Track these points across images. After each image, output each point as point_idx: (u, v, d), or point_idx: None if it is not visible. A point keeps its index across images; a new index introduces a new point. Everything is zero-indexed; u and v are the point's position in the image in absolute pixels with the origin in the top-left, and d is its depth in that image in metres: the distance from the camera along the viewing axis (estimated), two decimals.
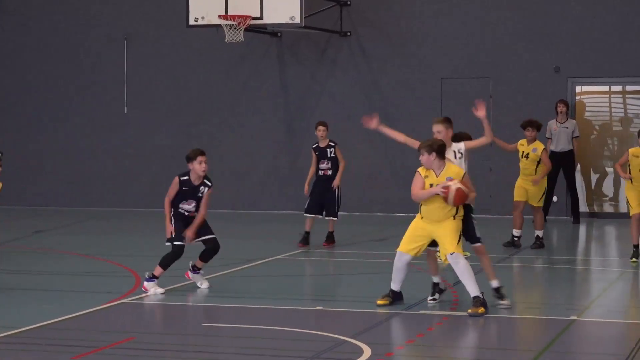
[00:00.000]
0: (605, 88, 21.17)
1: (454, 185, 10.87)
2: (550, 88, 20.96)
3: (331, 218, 16.34)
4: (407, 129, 19.38)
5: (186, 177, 12.25)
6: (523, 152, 16.23)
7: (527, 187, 16.18)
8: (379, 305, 11.33)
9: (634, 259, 14.40)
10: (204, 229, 12.38)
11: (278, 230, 18.92)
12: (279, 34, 22.28)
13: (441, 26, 21.61)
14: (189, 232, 12.20)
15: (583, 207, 20.76)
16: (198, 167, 12.20)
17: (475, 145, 12.30)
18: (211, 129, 22.55)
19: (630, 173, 14.43)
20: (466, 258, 11.13)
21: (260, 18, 20.07)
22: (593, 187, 21.13)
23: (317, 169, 16.37)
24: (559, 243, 17.88)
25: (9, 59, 24.01)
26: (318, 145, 16.43)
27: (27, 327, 10.21)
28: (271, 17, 20.04)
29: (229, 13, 20.01)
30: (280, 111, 22.56)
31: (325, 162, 16.33)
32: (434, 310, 11.11)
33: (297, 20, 19.91)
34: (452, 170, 11.07)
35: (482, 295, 10.92)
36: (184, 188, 12.20)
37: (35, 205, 23.26)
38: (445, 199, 10.91)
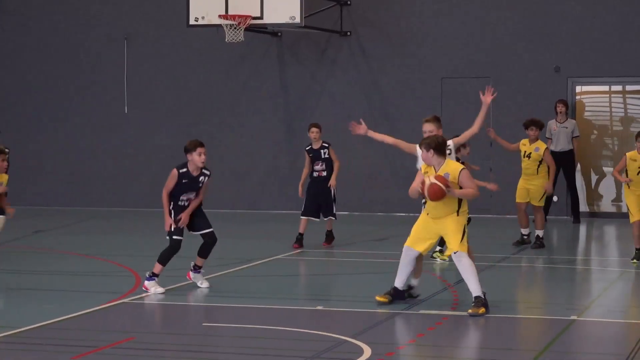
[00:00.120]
0: (606, 88, 21.17)
1: (429, 180, 10.88)
2: (551, 88, 20.96)
3: (330, 218, 16.34)
4: (407, 129, 19.47)
5: (185, 169, 12.22)
6: (525, 151, 16.25)
7: (528, 187, 16.22)
8: (378, 302, 11.33)
9: (635, 261, 14.36)
10: (202, 221, 12.38)
11: (278, 230, 18.92)
12: (279, 34, 22.29)
13: (441, 26, 21.61)
14: (184, 216, 12.15)
15: (583, 207, 20.77)
16: (197, 159, 12.19)
17: (464, 137, 12.30)
18: (211, 129, 22.55)
19: (627, 177, 14.32)
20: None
21: (261, 18, 20.08)
22: (593, 187, 21.13)
23: (312, 170, 16.33)
24: (559, 243, 17.88)
25: (9, 59, 24.02)
26: (311, 147, 16.36)
27: (27, 327, 10.21)
28: (271, 17, 20.05)
29: (229, 13, 20.01)
30: (280, 111, 22.57)
31: (320, 164, 16.29)
32: (435, 310, 11.11)
33: (297, 20, 19.92)
34: (450, 167, 11.07)
35: (484, 295, 10.91)
36: (183, 180, 12.18)
37: (35, 205, 23.26)
38: (423, 194, 10.93)
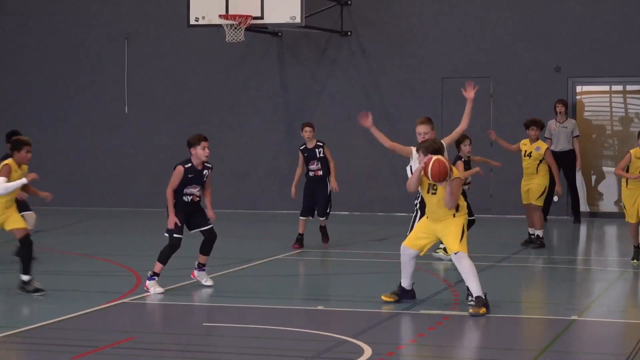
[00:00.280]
0: (606, 88, 21.17)
1: (434, 157, 10.86)
2: (551, 88, 20.96)
3: (322, 219, 16.24)
4: (407, 128, 19.44)
5: (189, 164, 12.28)
6: (525, 151, 16.27)
7: (529, 187, 16.25)
8: (383, 301, 11.35)
9: (635, 260, 14.33)
10: (202, 219, 12.41)
11: (278, 230, 18.91)
12: (280, 34, 22.29)
13: (441, 26, 21.61)
14: (211, 213, 12.31)
15: (584, 207, 20.76)
16: (201, 153, 12.26)
17: (454, 137, 12.33)
18: (211, 129, 22.51)
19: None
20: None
21: (261, 18, 20.08)
22: (594, 187, 21.12)
23: (307, 170, 16.26)
24: (559, 243, 17.88)
25: (9, 59, 24.01)
26: (306, 147, 16.25)
27: (27, 327, 10.21)
28: (272, 17, 20.05)
29: (230, 13, 20.02)
30: (280, 111, 22.56)
31: (315, 163, 16.20)
32: (435, 310, 11.10)
33: (298, 20, 19.92)
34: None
35: (485, 295, 10.90)
36: (189, 175, 12.22)
37: (35, 205, 23.19)
38: (426, 173, 10.86)
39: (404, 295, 11.47)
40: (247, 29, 20.25)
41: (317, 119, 20.58)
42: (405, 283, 11.48)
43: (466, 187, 15.35)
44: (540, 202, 16.25)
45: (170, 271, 12.57)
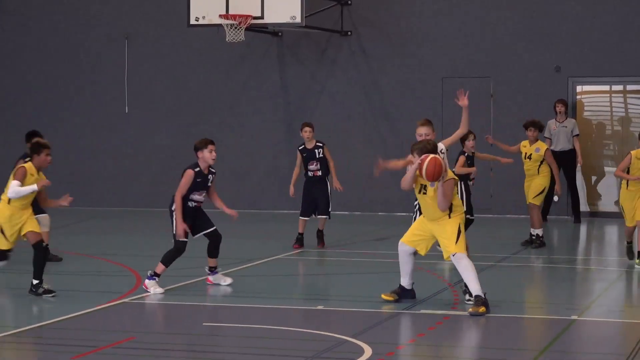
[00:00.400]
0: (606, 87, 21.16)
1: (430, 155, 10.86)
2: (551, 88, 20.95)
3: (324, 217, 16.15)
4: (407, 128, 19.46)
5: (198, 168, 12.32)
6: (526, 153, 16.30)
7: (529, 187, 16.28)
8: (383, 300, 11.36)
9: (638, 260, 14.25)
10: (205, 221, 12.45)
11: (278, 230, 18.91)
12: (280, 34, 22.28)
13: (441, 26, 21.60)
14: (230, 210, 12.49)
15: (584, 207, 20.76)
16: (209, 156, 12.32)
17: (453, 139, 12.34)
18: (211, 129, 22.53)
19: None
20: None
21: (261, 17, 20.08)
22: (594, 187, 21.12)
23: (306, 170, 16.20)
24: (559, 243, 17.88)
25: (9, 59, 24.01)
26: (305, 147, 16.18)
27: (27, 327, 10.21)
28: (272, 17, 20.05)
29: (230, 12, 20.02)
30: (280, 111, 22.56)
31: (315, 163, 16.15)
32: (435, 309, 11.10)
33: (298, 19, 19.92)
34: None
35: (485, 295, 10.90)
36: (197, 179, 12.26)
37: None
38: (421, 171, 10.85)
39: (403, 295, 11.48)
40: (247, 29, 20.25)
41: (317, 119, 20.59)
42: (405, 282, 11.48)
43: (470, 182, 15.39)
44: (536, 201, 16.24)
45: (170, 271, 12.57)
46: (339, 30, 22.00)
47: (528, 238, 16.48)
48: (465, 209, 15.00)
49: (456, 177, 11.29)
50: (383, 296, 11.46)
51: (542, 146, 16.31)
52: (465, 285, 11.20)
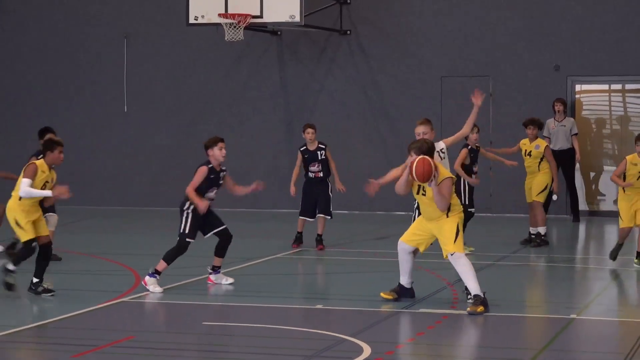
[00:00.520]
0: (605, 87, 21.17)
1: (418, 157, 10.86)
2: (550, 87, 20.96)
3: (326, 216, 16.09)
4: (406, 128, 19.45)
5: (210, 165, 12.39)
6: (525, 150, 16.35)
7: (531, 184, 16.31)
8: (382, 298, 11.37)
9: (638, 260, 14.21)
10: (215, 220, 12.51)
11: (277, 229, 18.92)
12: (279, 33, 22.28)
13: (441, 25, 21.61)
14: (254, 185, 12.75)
15: (583, 206, 20.76)
16: (219, 153, 12.39)
17: (455, 139, 12.33)
18: (211, 129, 22.51)
19: (625, 181, 14.11)
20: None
21: (260, 17, 20.10)
22: (593, 186, 21.13)
23: (307, 171, 16.16)
24: (558, 242, 17.87)
25: (9, 59, 24.01)
26: (307, 148, 16.10)
27: (27, 327, 10.21)
28: (271, 16, 20.06)
29: (229, 12, 20.03)
30: (280, 111, 22.56)
31: (316, 165, 16.09)
32: (434, 309, 11.11)
33: (297, 18, 19.93)
34: (438, 170, 11.03)
35: (484, 294, 10.91)
36: (211, 176, 12.32)
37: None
38: (411, 173, 10.87)
39: (403, 294, 11.49)
40: (246, 28, 20.26)
41: (317, 119, 20.60)
42: (404, 281, 11.50)
43: (473, 176, 15.44)
44: (540, 198, 16.28)
45: (170, 269, 12.57)
46: (339, 29, 22.00)
47: (527, 237, 16.50)
48: (466, 202, 15.11)
49: (453, 176, 11.27)
50: (382, 295, 11.49)
51: (541, 143, 16.36)
52: (466, 286, 11.21)
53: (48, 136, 12.63)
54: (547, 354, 9.20)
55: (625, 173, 14.05)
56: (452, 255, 11.01)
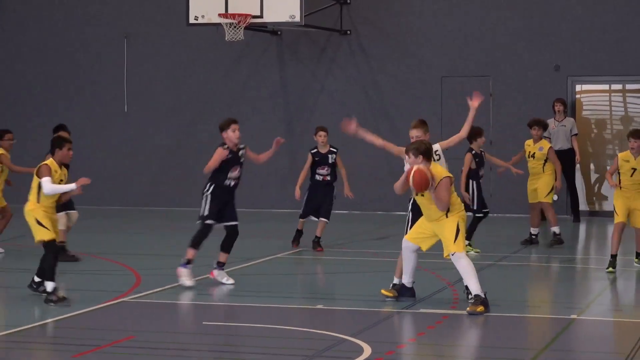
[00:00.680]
0: (606, 87, 21.17)
1: (415, 167, 10.88)
2: (550, 87, 20.96)
3: (324, 219, 16.03)
4: (406, 128, 19.35)
5: (227, 146, 12.49)
6: (529, 152, 16.34)
7: (536, 186, 16.31)
8: (382, 295, 11.37)
9: (611, 269, 13.72)
10: (232, 213, 12.69)
11: (277, 229, 18.91)
12: (279, 33, 22.28)
13: (441, 25, 21.61)
14: (279, 140, 13.10)
15: (583, 206, 20.76)
16: (232, 135, 12.50)
17: (451, 142, 12.25)
18: (211, 129, 22.44)
19: (620, 178, 14.09)
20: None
21: (261, 16, 20.10)
22: (593, 186, 21.13)
23: (314, 173, 16.09)
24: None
25: (9, 59, 24.01)
26: (318, 151, 16.07)
27: (27, 326, 10.21)
28: (271, 16, 20.07)
29: (229, 11, 20.03)
30: (280, 111, 22.56)
31: (326, 168, 16.04)
32: (435, 309, 11.11)
33: (297, 18, 19.93)
34: (435, 171, 11.03)
35: (485, 294, 10.90)
36: (228, 155, 12.40)
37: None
38: (409, 183, 10.90)
39: (403, 293, 11.48)
40: (246, 28, 20.26)
41: (317, 118, 20.60)
42: (406, 280, 11.49)
43: (480, 180, 15.46)
44: (549, 199, 16.28)
45: (170, 269, 12.57)
46: (339, 29, 22.00)
47: (528, 237, 16.49)
48: (476, 207, 15.14)
49: (451, 175, 11.23)
50: (383, 291, 11.48)
51: (545, 145, 16.35)
52: (467, 286, 11.20)
53: (57, 134, 12.61)
54: (548, 354, 9.20)
55: (618, 170, 14.03)
56: (452, 255, 11.00)
